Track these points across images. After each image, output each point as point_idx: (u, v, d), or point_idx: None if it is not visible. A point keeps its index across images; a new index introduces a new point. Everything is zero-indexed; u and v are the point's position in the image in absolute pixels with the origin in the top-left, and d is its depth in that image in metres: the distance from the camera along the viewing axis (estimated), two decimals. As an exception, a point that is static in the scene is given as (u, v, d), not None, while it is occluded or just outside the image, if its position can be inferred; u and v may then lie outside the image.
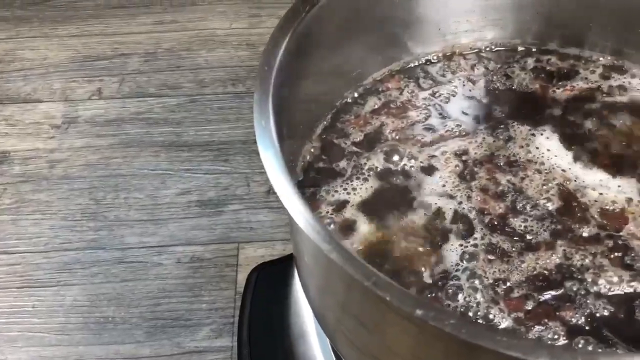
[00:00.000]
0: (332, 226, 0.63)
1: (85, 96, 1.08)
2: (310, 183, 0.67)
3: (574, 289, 0.58)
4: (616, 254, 0.59)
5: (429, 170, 0.66)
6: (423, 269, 0.60)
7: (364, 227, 0.62)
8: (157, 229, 0.92)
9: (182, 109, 1.05)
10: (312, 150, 0.69)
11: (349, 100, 0.73)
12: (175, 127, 1.02)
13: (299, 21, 0.60)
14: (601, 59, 0.74)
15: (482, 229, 0.62)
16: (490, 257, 0.60)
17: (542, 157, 0.67)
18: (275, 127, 0.53)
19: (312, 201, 0.65)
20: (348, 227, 0.62)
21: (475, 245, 0.61)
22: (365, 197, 0.65)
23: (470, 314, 0.57)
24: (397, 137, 0.70)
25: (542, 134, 0.69)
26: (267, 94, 0.55)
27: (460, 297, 0.58)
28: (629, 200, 0.63)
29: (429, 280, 0.59)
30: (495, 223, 0.62)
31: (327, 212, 0.64)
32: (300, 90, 0.63)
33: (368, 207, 0.64)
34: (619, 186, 0.64)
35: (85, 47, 1.15)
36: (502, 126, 0.70)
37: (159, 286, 0.87)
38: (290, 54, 0.59)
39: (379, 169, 0.67)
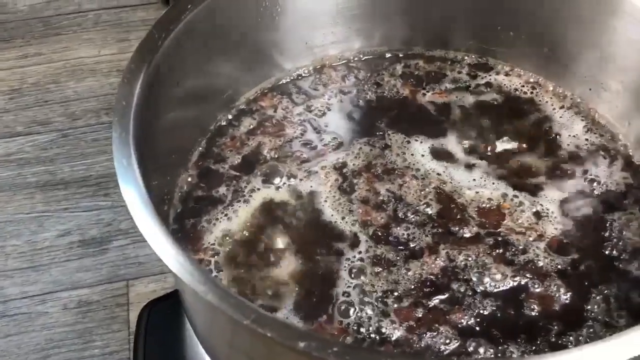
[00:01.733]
0: (216, 257, 0.61)
1: (-53, 142, 1.00)
2: (190, 214, 0.64)
3: (461, 290, 0.58)
4: (497, 250, 0.60)
5: (310, 187, 0.65)
6: (312, 289, 0.59)
7: (250, 254, 0.61)
8: (38, 276, 0.87)
9: (54, 145, 0.99)
10: (189, 179, 0.67)
11: (223, 122, 0.71)
12: (48, 165, 0.97)
13: (154, 51, 0.58)
14: (466, 58, 0.76)
15: (366, 241, 0.61)
16: (377, 269, 0.59)
17: (418, 162, 0.67)
18: (138, 164, 0.50)
19: (193, 232, 0.63)
20: (232, 258, 0.61)
21: (362, 260, 0.60)
22: (248, 223, 0.63)
23: (363, 329, 0.56)
24: (275, 156, 0.68)
25: (416, 140, 0.69)
26: (127, 131, 0.52)
27: (351, 313, 0.57)
28: (504, 195, 0.64)
29: (319, 301, 0.58)
30: (379, 234, 0.62)
31: (210, 243, 0.62)
32: (166, 120, 0.61)
33: (252, 233, 0.63)
34: (493, 183, 0.65)
35: (-58, 89, 1.07)
36: (377, 135, 0.70)
37: (47, 337, 0.82)
38: (150, 84, 0.57)
39: (260, 191, 0.65)
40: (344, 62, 0.76)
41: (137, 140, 0.53)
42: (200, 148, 0.69)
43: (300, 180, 0.66)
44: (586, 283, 0.59)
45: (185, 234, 0.63)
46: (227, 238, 0.62)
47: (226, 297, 0.42)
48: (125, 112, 0.53)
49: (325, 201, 0.64)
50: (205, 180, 0.66)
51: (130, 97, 0.54)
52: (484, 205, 0.64)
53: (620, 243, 0.61)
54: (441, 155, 0.68)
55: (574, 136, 0.69)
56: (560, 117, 0.70)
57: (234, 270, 0.60)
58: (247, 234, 0.63)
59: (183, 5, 0.62)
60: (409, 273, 0.59)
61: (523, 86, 0.73)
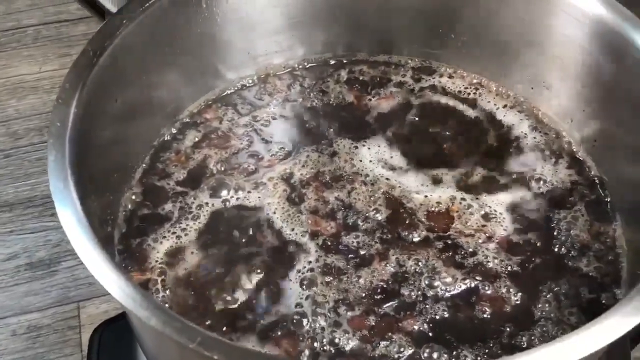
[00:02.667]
0: (164, 276, 0.59)
1: None
2: (136, 233, 0.63)
3: (413, 296, 0.58)
4: (447, 254, 0.60)
5: (258, 199, 0.65)
6: (265, 303, 0.58)
7: (198, 273, 0.60)
8: (-15, 303, 0.84)
9: (-4, 167, 0.97)
10: (133, 197, 0.65)
11: (167, 137, 0.70)
12: (-9, 187, 0.94)
13: (90, 68, 0.56)
14: (410, 62, 0.76)
15: (316, 251, 0.61)
16: (328, 278, 0.59)
17: (366, 168, 0.67)
18: (75, 186, 0.49)
19: (139, 252, 0.61)
20: (181, 276, 0.60)
21: (312, 270, 0.60)
22: (196, 239, 0.62)
23: (317, 343, 0.55)
24: (222, 169, 0.67)
25: (364, 145, 0.69)
26: (63, 153, 0.50)
27: (305, 324, 0.57)
28: (452, 198, 0.64)
29: (273, 314, 0.57)
30: (329, 243, 0.61)
31: (157, 262, 0.61)
32: (106, 138, 0.59)
33: (201, 249, 0.61)
34: (441, 186, 0.65)
35: None
36: (325, 142, 0.69)
37: (-4, 365, 0.80)
38: (87, 103, 0.55)
39: (207, 206, 0.64)
40: (288, 70, 0.76)
41: (74, 161, 0.51)
42: (144, 164, 0.67)
43: (248, 192, 0.65)
44: (536, 282, 0.59)
45: (132, 254, 0.61)
46: (175, 256, 0.61)
47: (170, 321, 0.41)
48: (61, 134, 0.52)
49: (274, 213, 0.63)
50: (150, 198, 0.65)
51: (66, 118, 0.53)
52: (432, 209, 0.64)
53: (568, 240, 0.62)
54: (389, 160, 0.67)
55: (518, 136, 0.69)
56: (504, 116, 0.71)
57: (183, 288, 0.59)
58: (195, 251, 0.61)
59: (118, 20, 0.61)
60: (360, 281, 0.59)
61: (467, 88, 0.73)
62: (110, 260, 0.45)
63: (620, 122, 0.63)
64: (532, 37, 0.68)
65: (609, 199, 0.64)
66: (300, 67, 0.76)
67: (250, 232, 0.62)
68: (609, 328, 0.44)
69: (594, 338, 0.44)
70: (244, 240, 0.62)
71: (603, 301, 0.58)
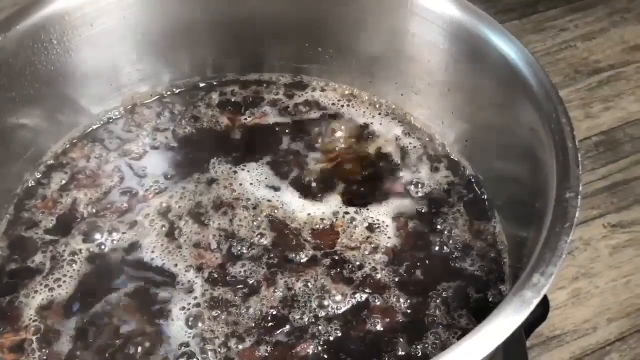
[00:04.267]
0: (39, 335, 0.55)
1: None
2: (5, 291, 0.58)
3: (304, 319, 0.57)
4: (335, 270, 0.60)
5: (135, 238, 0.61)
6: (149, 347, 0.55)
7: (76, 326, 0.56)
8: None
9: None
10: (-1, 252, 0.61)
11: (31, 183, 0.66)
12: None
13: None
14: (281, 78, 0.75)
15: (202, 285, 0.58)
16: (215, 312, 0.57)
17: (247, 192, 0.65)
18: None
19: (10, 311, 0.57)
20: (58, 332, 0.56)
21: (198, 305, 0.57)
22: (71, 289, 0.58)
23: (208, 382, 0.53)
24: (93, 211, 0.64)
25: (243, 169, 0.67)
26: None
27: (195, 364, 0.54)
28: (336, 214, 0.63)
29: (159, 357, 0.55)
30: (216, 275, 0.59)
31: (31, 320, 0.56)
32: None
33: (77, 299, 0.58)
34: (323, 203, 0.64)
35: None
36: (201, 170, 0.67)
37: None
38: None
39: (81, 253, 0.61)
40: (156, 97, 0.73)
41: None
42: (8, 215, 0.63)
43: (123, 233, 0.62)
44: (424, 288, 0.59)
45: (2, 314, 0.57)
46: (50, 309, 0.57)
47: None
48: None
49: (153, 251, 0.61)
50: (18, 251, 0.61)
51: None
52: (317, 226, 0.63)
53: (451, 241, 0.62)
54: (269, 181, 0.66)
55: (394, 143, 0.69)
56: (380, 124, 0.71)
57: (60, 344, 0.55)
58: (71, 301, 0.58)
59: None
60: (250, 310, 0.57)
61: (339, 100, 0.73)
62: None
63: (485, 120, 0.64)
64: (395, 45, 0.68)
65: (485, 197, 0.65)
66: (169, 93, 0.73)
67: (129, 274, 0.59)
68: (497, 328, 0.44)
69: (485, 341, 0.43)
70: (122, 283, 0.59)
71: (490, 299, 0.59)
